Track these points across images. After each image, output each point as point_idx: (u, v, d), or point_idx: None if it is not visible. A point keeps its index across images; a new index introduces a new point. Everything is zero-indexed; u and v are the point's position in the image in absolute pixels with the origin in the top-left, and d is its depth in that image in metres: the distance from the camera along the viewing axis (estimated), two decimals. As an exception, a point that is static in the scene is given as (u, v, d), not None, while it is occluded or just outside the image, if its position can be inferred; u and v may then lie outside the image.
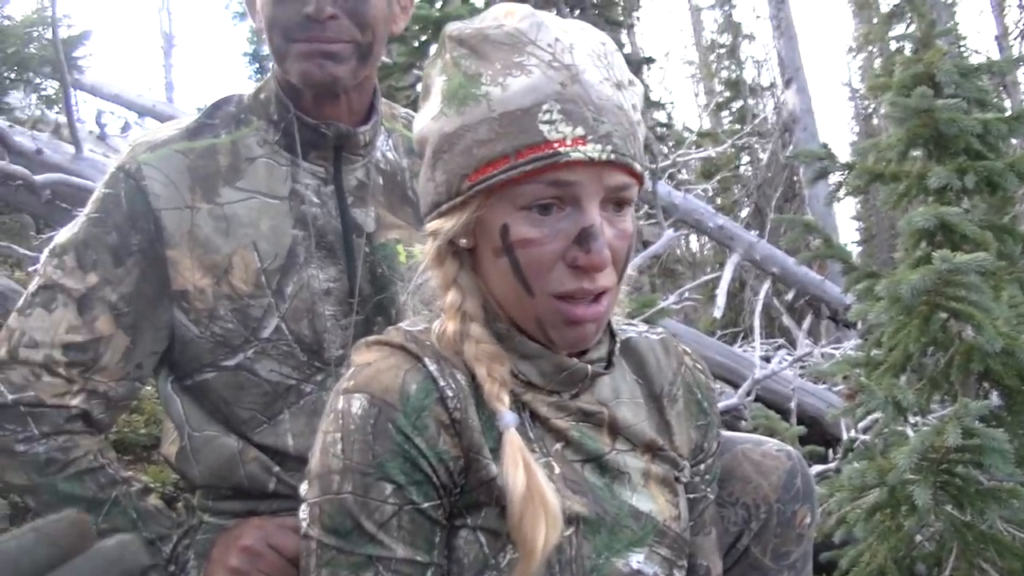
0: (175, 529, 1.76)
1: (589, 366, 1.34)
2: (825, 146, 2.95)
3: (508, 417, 1.24)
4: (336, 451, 1.22)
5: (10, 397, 1.67)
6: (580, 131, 1.19)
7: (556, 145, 1.18)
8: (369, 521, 1.20)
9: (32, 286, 1.75)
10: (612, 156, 1.20)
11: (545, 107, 1.19)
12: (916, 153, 2.79)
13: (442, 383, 1.25)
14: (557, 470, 1.32)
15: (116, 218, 1.72)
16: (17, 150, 4.55)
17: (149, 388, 2.54)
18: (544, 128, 1.19)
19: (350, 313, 1.78)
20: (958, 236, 2.60)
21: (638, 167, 1.25)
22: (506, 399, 1.26)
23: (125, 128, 10.34)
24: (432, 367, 1.25)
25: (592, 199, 1.21)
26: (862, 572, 2.48)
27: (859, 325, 3.78)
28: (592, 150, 1.19)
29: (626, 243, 1.26)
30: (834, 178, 3.00)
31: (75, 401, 1.70)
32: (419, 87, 1.37)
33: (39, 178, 4.32)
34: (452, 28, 1.29)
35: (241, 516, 1.78)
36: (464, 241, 1.28)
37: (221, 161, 1.78)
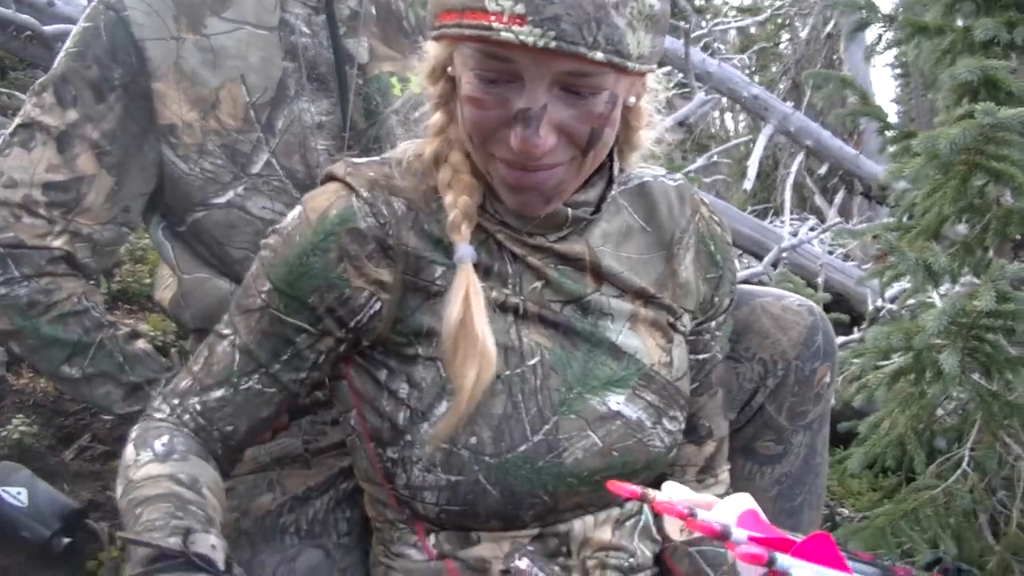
0: (163, 373, 1.75)
1: (570, 210, 1.29)
2: (864, -9, 2.77)
3: (463, 250, 1.23)
4: (265, 240, 1.34)
5: None
6: (520, 8, 1.06)
7: (492, 19, 1.07)
8: (244, 299, 1.34)
9: (11, 126, 1.71)
10: (553, 44, 1.07)
11: None
12: (964, 5, 2.61)
13: (367, 213, 1.25)
14: (528, 307, 1.31)
15: (96, 51, 1.66)
16: (28, 2, 4.43)
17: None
18: None
19: (344, 147, 1.73)
20: (1003, 93, 2.44)
21: (599, 56, 1.09)
22: (465, 231, 1.24)
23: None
24: (365, 195, 1.25)
25: (537, 81, 1.11)
26: (880, 441, 2.41)
27: (890, 200, 3.64)
28: (528, 33, 1.06)
29: (590, 124, 1.16)
30: (873, 31, 2.83)
31: (57, 243, 1.66)
32: None
33: (48, 28, 4.22)
34: None
35: None
36: (450, 69, 1.22)
37: None
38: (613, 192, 1.36)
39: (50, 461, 2.34)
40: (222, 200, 1.69)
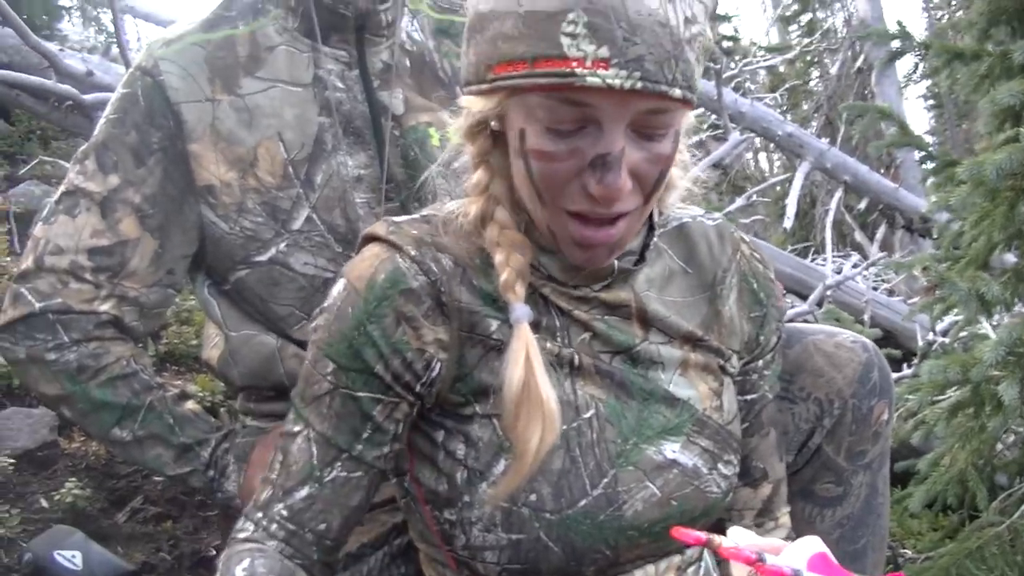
0: (213, 433, 1.76)
1: (616, 262, 1.27)
2: (900, 24, 2.75)
3: (520, 310, 1.20)
4: (313, 324, 1.29)
5: (38, 306, 1.66)
6: (604, 52, 1.04)
7: (574, 64, 1.05)
8: (309, 389, 1.27)
9: (56, 194, 1.74)
10: (639, 85, 1.05)
11: (571, 16, 1.05)
12: (1000, 30, 2.58)
13: (416, 272, 1.23)
14: (582, 360, 1.28)
15: (134, 117, 1.69)
16: (67, 72, 4.53)
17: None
18: (565, 41, 1.05)
19: (383, 200, 1.74)
20: (1046, 117, 2.40)
21: (677, 92, 1.09)
22: (520, 291, 1.21)
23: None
24: (412, 254, 1.23)
25: (616, 123, 1.09)
26: (941, 478, 2.36)
27: (935, 231, 3.61)
28: (614, 76, 1.04)
29: (659, 167, 1.15)
30: (908, 61, 2.81)
31: (104, 307, 1.69)
32: None
33: (88, 97, 4.32)
34: None
35: (282, 418, 1.74)
36: (495, 123, 1.19)
37: (240, 51, 1.74)
38: (655, 238, 1.34)
39: (103, 524, 2.36)
40: (264, 258, 1.70)
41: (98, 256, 1.67)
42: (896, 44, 2.72)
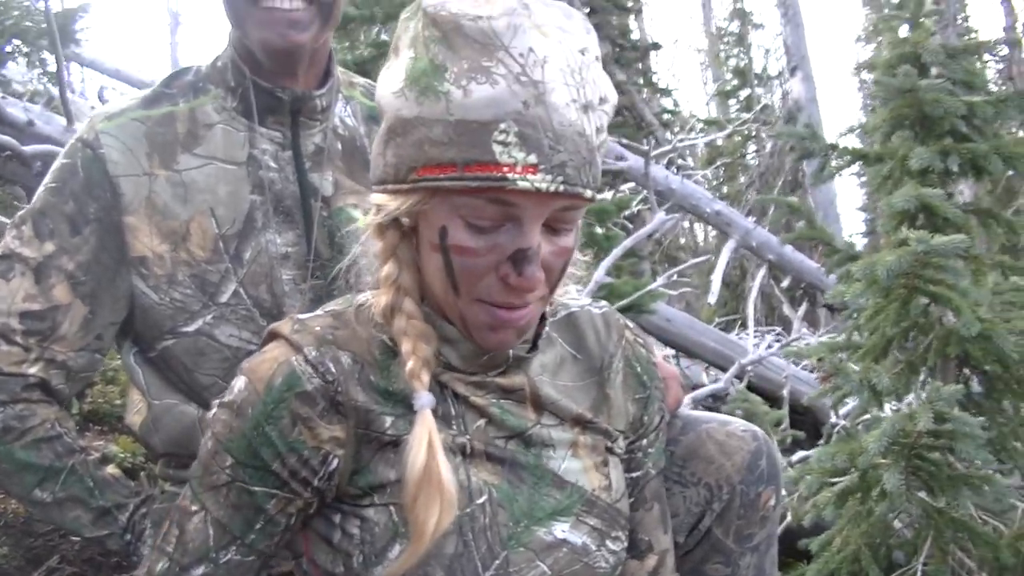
0: (132, 498, 1.78)
1: (510, 351, 1.35)
2: (808, 126, 2.91)
3: (424, 399, 1.27)
4: (212, 413, 1.34)
5: None
6: (533, 159, 1.16)
7: (506, 170, 1.16)
8: (207, 477, 1.32)
9: None
10: (562, 188, 1.18)
11: (503, 126, 1.15)
12: (901, 133, 2.75)
13: (312, 375, 1.28)
14: (475, 446, 1.35)
15: (73, 187, 1.73)
16: (8, 121, 4.53)
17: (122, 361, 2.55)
18: (497, 149, 1.16)
19: (309, 277, 1.79)
20: (940, 219, 2.56)
21: (588, 193, 1.22)
22: (426, 379, 1.28)
23: (100, 94, 10.33)
24: (311, 355, 1.29)
25: (534, 222, 1.20)
26: (834, 558, 2.45)
27: (845, 310, 3.76)
28: (541, 180, 1.16)
29: (563, 259, 1.27)
30: (818, 160, 2.97)
31: (32, 370, 1.71)
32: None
33: (28, 149, 4.29)
34: (428, 2, 1.23)
35: None
36: (407, 220, 1.28)
37: (179, 128, 1.79)
38: (546, 327, 1.43)
39: None
40: (191, 328, 1.74)
41: (29, 320, 1.70)
42: (804, 144, 2.87)
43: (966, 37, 13.06)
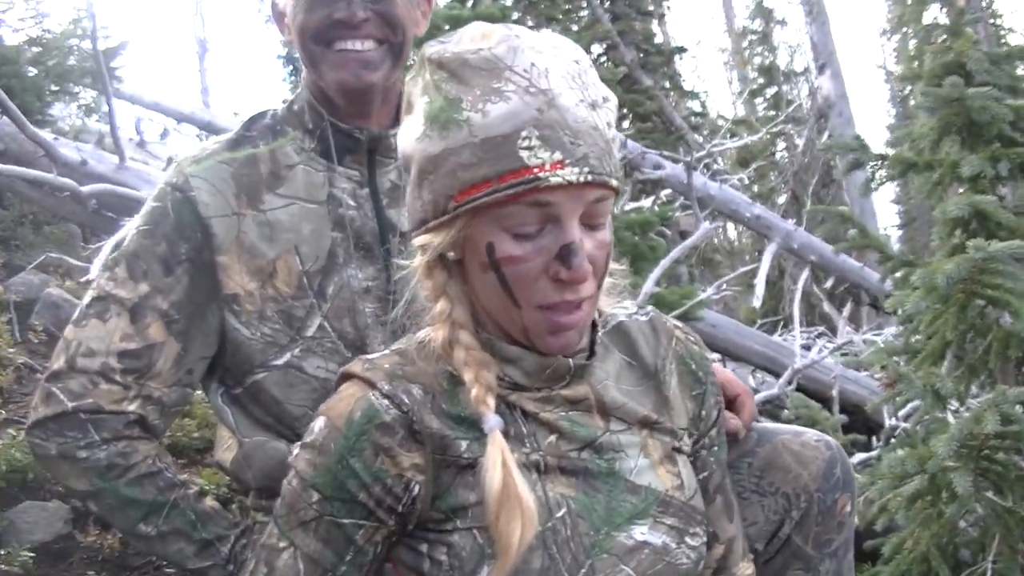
0: (232, 529, 1.83)
1: (571, 360, 1.41)
2: (858, 137, 2.96)
3: (492, 421, 1.33)
4: (295, 451, 1.40)
5: (70, 405, 1.73)
6: (558, 156, 1.25)
7: (536, 170, 1.25)
8: (295, 515, 1.37)
9: (86, 299, 1.82)
10: (589, 177, 1.27)
11: (524, 133, 1.25)
12: (949, 141, 2.80)
13: (388, 406, 1.34)
14: (548, 462, 1.40)
15: (165, 229, 1.79)
16: (63, 162, 4.63)
17: (199, 393, 2.62)
18: (524, 154, 1.25)
19: (389, 310, 1.83)
20: (993, 224, 2.62)
21: (614, 182, 1.32)
22: (491, 403, 1.34)
23: (164, 135, 10.48)
24: (385, 389, 1.35)
25: (572, 217, 1.29)
26: (905, 559, 2.51)
27: (897, 317, 3.80)
28: (570, 173, 1.26)
29: (604, 252, 1.35)
30: (868, 169, 3.02)
31: (132, 407, 1.76)
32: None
33: (85, 189, 4.41)
34: (431, 50, 1.34)
35: None
36: (452, 254, 1.35)
37: (262, 169, 1.85)
38: (599, 334, 1.50)
39: None
40: (280, 361, 1.80)
41: (127, 359, 1.76)
42: (855, 155, 2.93)
43: (1002, 40, 12.99)
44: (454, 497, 1.36)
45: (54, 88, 6.80)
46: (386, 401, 1.34)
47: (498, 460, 1.30)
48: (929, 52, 2.84)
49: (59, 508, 2.66)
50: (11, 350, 3.52)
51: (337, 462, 1.33)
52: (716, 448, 1.62)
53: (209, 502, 1.85)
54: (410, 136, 1.34)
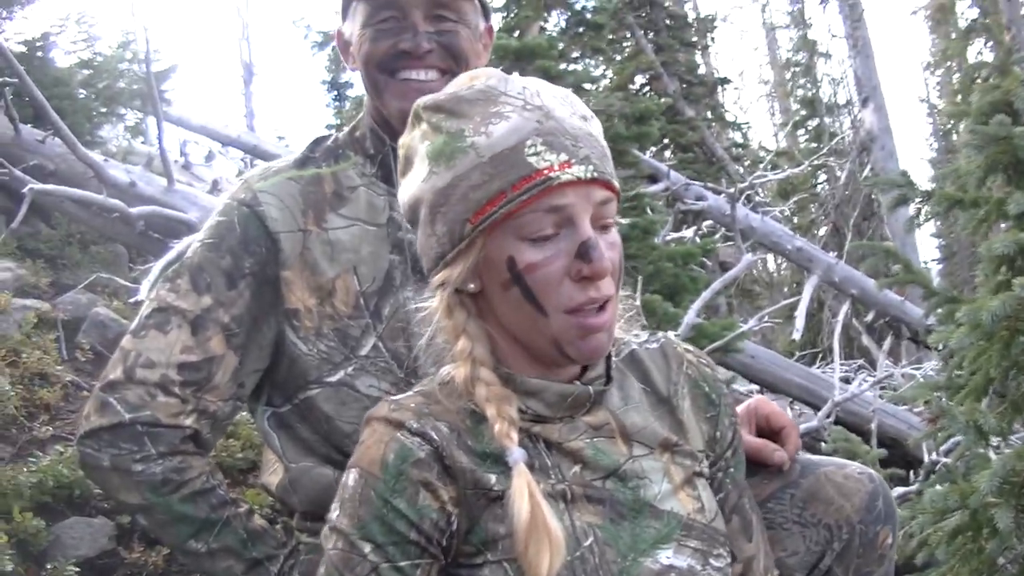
0: (281, 549, 1.84)
1: (590, 388, 1.44)
2: (904, 173, 2.98)
3: (516, 454, 1.35)
4: (334, 516, 1.38)
5: (127, 416, 1.72)
6: (564, 156, 1.32)
7: (546, 171, 1.31)
8: (348, 572, 1.34)
9: (145, 309, 1.83)
10: (595, 174, 1.34)
11: (529, 142, 1.32)
12: (995, 178, 2.81)
13: (423, 443, 1.36)
14: (575, 491, 1.41)
15: (230, 242, 1.81)
16: (112, 183, 4.73)
17: (244, 414, 2.65)
18: (532, 159, 1.31)
19: None
20: (1037, 261, 2.62)
21: (616, 183, 1.40)
22: (515, 436, 1.36)
23: (209, 157, 10.64)
24: (413, 427, 1.36)
25: (583, 216, 1.34)
26: (945, 595, 2.50)
27: (939, 354, 3.80)
28: (578, 171, 1.32)
29: (617, 253, 1.40)
30: (913, 205, 3.03)
31: (188, 421, 1.76)
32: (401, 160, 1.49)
33: (135, 210, 4.51)
34: (423, 101, 1.42)
35: None
36: (472, 286, 1.39)
37: (326, 189, 1.88)
38: (615, 360, 1.54)
39: None
40: (334, 379, 1.81)
41: (187, 371, 1.75)
42: (901, 191, 2.94)
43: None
44: (484, 531, 1.38)
45: (103, 110, 6.93)
46: (417, 439, 1.35)
47: (524, 491, 1.32)
48: (977, 90, 2.85)
49: (104, 524, 2.70)
50: (58, 368, 3.56)
51: (382, 506, 1.34)
52: (732, 469, 1.63)
53: (259, 521, 1.86)
54: (413, 183, 1.41)
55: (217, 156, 10.64)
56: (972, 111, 2.83)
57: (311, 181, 1.89)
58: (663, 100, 11.33)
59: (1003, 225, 2.88)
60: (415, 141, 1.42)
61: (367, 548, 1.34)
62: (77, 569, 2.47)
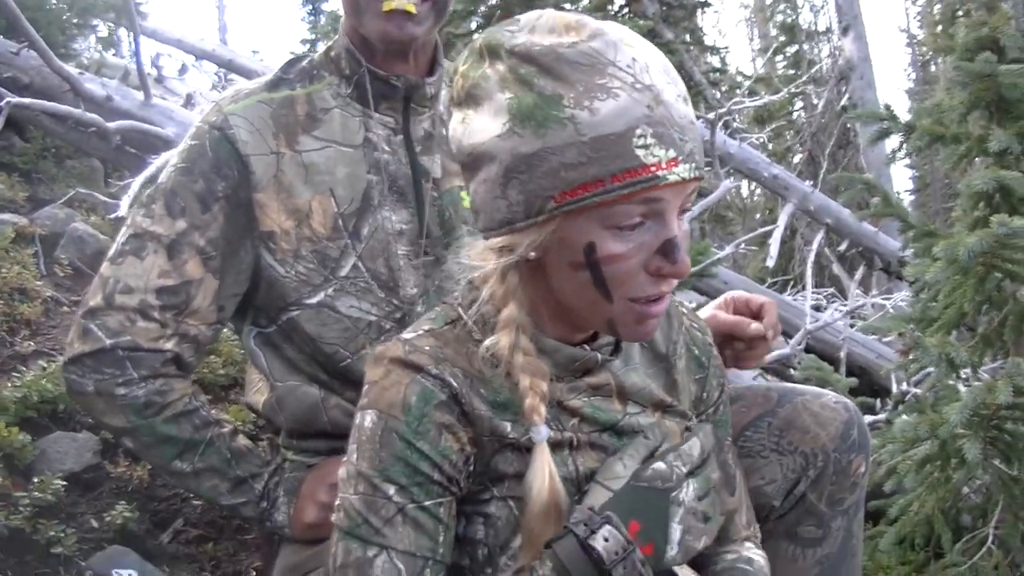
0: (265, 467, 1.88)
1: (598, 354, 1.44)
2: (888, 107, 3.00)
3: (543, 432, 1.35)
4: (352, 459, 1.36)
5: (108, 342, 1.75)
6: (672, 153, 1.22)
7: (653, 169, 1.21)
8: (375, 517, 1.33)
9: (121, 236, 1.84)
10: (697, 172, 1.26)
11: (638, 131, 1.21)
12: (978, 115, 2.84)
13: (443, 386, 1.35)
14: (579, 438, 1.43)
15: (202, 166, 1.82)
16: (88, 96, 4.66)
17: (226, 330, 2.67)
18: (640, 152, 1.21)
19: (421, 253, 1.88)
20: (1016, 199, 2.66)
21: (707, 172, 1.33)
22: (543, 411, 1.35)
23: (183, 70, 10.47)
24: (433, 372, 1.35)
25: (674, 211, 1.28)
26: (910, 521, 2.59)
27: (913, 287, 3.86)
28: (683, 170, 1.23)
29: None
30: (894, 139, 3.05)
31: (168, 345, 1.79)
32: (454, 86, 1.35)
33: (112, 125, 4.44)
34: (507, 40, 1.29)
35: (324, 454, 1.90)
36: (533, 254, 1.30)
37: (299, 111, 1.88)
38: None
39: (149, 544, 2.50)
40: (314, 300, 1.83)
41: (165, 295, 1.78)
42: (883, 125, 2.96)
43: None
44: (494, 469, 1.39)
45: (76, 22, 6.79)
46: (437, 382, 1.34)
47: (546, 471, 1.33)
48: (963, 25, 2.86)
49: (89, 439, 2.74)
50: (38, 283, 3.58)
51: (405, 448, 1.32)
52: (716, 426, 1.65)
53: (242, 440, 1.89)
54: (483, 132, 1.28)
55: (191, 70, 10.48)
56: (957, 47, 2.84)
57: (283, 103, 1.88)
58: (642, 23, 11.20)
59: (977, 160, 2.91)
60: (488, 82, 1.28)
61: (391, 490, 1.33)
62: (64, 482, 2.50)
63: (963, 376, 2.94)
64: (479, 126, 1.29)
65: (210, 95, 7.31)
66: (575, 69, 1.22)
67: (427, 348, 1.38)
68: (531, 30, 1.28)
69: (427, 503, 1.34)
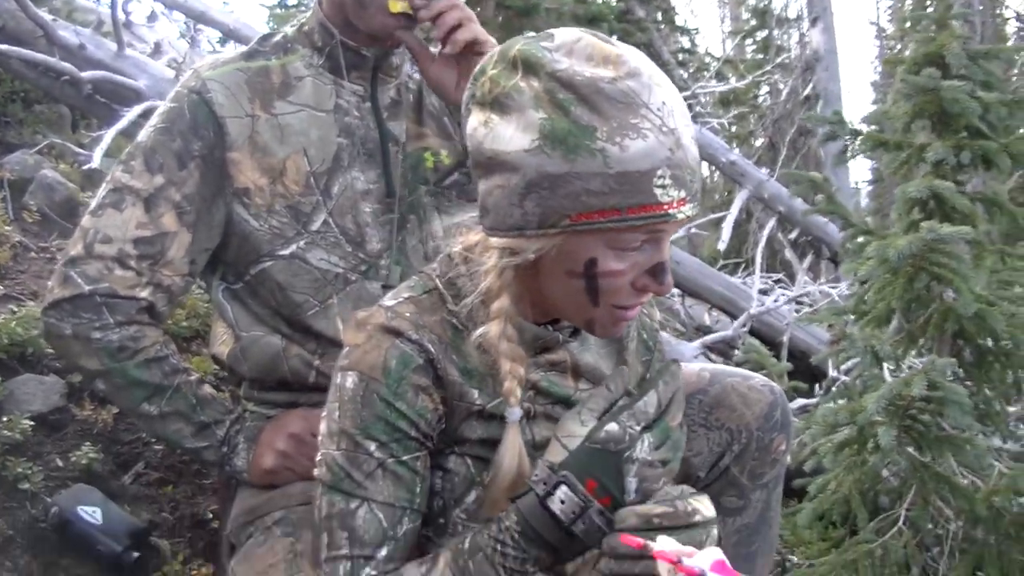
0: (228, 415, 2.00)
1: (559, 335, 1.57)
2: (836, 112, 3.16)
3: (516, 413, 1.49)
4: (334, 417, 1.47)
5: (87, 288, 1.87)
6: (683, 193, 1.34)
7: (666, 207, 1.32)
8: (357, 471, 1.44)
9: (102, 190, 1.96)
10: (697, 210, 1.39)
11: (659, 172, 1.31)
12: (920, 126, 3.00)
13: (421, 351, 1.46)
14: (537, 409, 1.56)
15: (180, 127, 1.94)
16: (61, 44, 4.66)
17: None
18: (658, 192, 1.31)
19: (387, 211, 2.02)
20: (948, 208, 2.84)
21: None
22: (519, 394, 1.49)
23: (152, 18, 10.39)
24: (412, 337, 1.46)
25: (668, 239, 1.41)
26: (828, 499, 2.76)
27: (850, 282, 4.04)
28: (688, 209, 1.36)
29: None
30: (842, 142, 3.22)
31: (143, 293, 1.91)
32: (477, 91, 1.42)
33: (85, 75, 4.45)
34: (548, 60, 1.34)
35: (283, 407, 2.03)
36: (532, 255, 1.40)
37: (274, 79, 2.01)
38: None
39: (112, 484, 2.59)
40: (286, 252, 1.94)
41: (142, 245, 1.89)
42: (831, 128, 3.13)
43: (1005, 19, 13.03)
44: (458, 432, 1.52)
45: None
46: (416, 347, 1.46)
47: (516, 449, 1.47)
48: (913, 41, 3.02)
49: (56, 382, 2.81)
50: (7, 228, 3.63)
51: (385, 408, 1.43)
52: None
53: (208, 389, 2.01)
54: (508, 141, 1.35)
55: (160, 18, 10.39)
56: (906, 60, 3.00)
57: (258, 72, 2.01)
58: (616, 2, 11.27)
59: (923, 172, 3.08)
60: (521, 96, 1.34)
61: (372, 446, 1.44)
62: (31, 423, 2.58)
63: (889, 368, 3.12)
64: (505, 134, 1.35)
65: (178, 44, 7.32)
66: (612, 105, 1.31)
67: (407, 315, 1.48)
68: (569, 53, 1.35)
69: (405, 457, 1.45)
